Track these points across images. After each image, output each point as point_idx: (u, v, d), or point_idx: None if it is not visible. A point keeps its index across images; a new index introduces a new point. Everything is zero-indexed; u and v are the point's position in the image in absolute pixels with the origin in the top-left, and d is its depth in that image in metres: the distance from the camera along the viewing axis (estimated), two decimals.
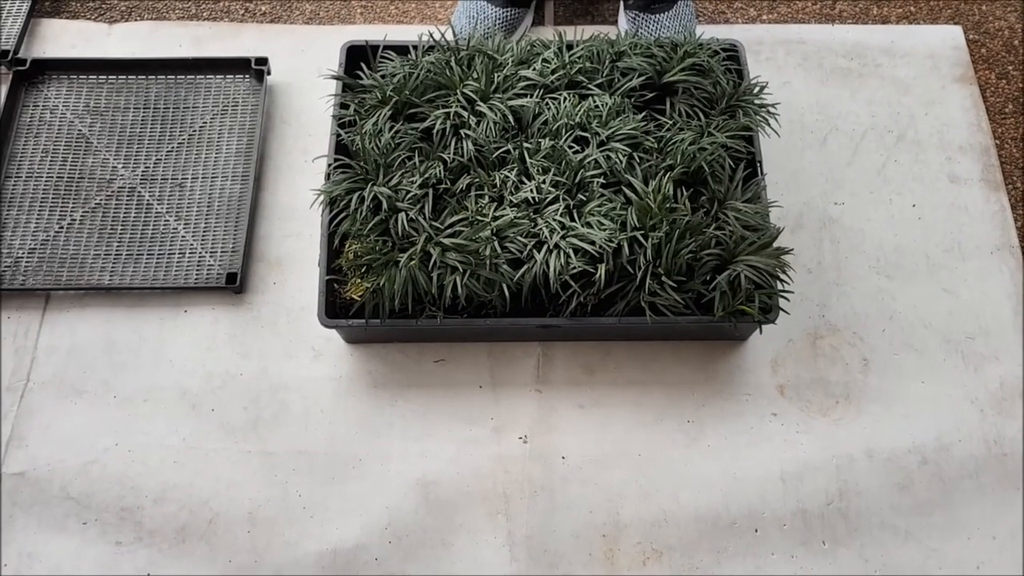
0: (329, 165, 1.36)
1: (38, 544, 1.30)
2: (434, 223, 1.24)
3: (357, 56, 1.44)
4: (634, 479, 1.35)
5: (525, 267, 1.22)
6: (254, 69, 1.61)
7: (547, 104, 1.32)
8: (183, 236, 1.49)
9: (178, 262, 1.48)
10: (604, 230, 1.21)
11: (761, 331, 1.34)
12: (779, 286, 1.28)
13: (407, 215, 1.24)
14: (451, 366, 1.42)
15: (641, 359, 1.42)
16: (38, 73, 1.63)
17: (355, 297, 1.30)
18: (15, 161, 1.56)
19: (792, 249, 1.30)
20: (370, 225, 1.24)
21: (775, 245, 1.28)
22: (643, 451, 1.36)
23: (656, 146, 1.31)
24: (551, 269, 1.20)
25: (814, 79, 1.67)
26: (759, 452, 1.37)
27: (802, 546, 1.31)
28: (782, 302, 1.28)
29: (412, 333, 1.39)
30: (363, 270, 1.27)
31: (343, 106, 1.37)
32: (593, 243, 1.20)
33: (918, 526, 1.32)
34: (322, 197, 1.30)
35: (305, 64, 1.67)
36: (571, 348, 1.43)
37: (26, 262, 1.47)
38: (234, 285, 1.44)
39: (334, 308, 1.32)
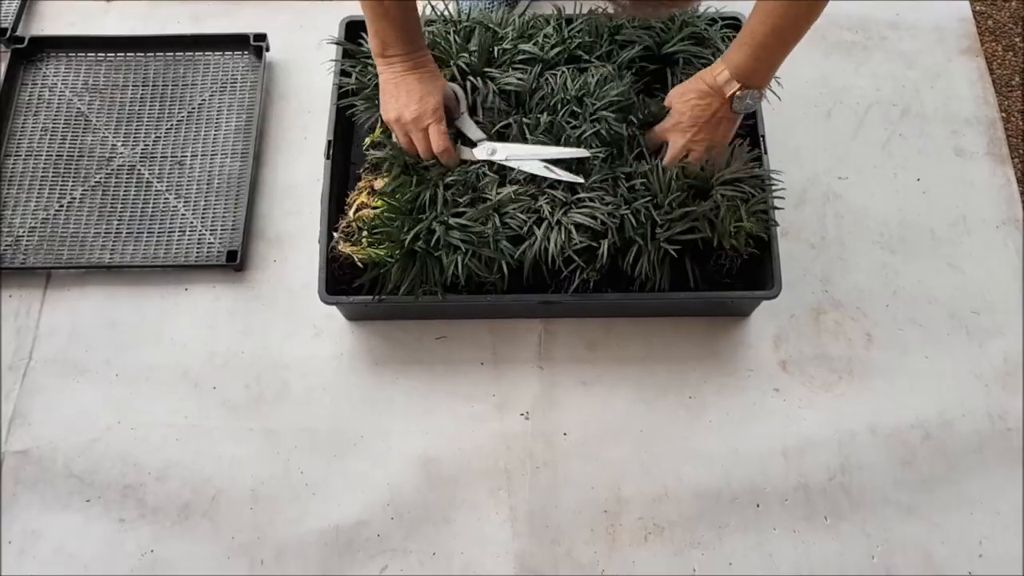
0: (328, 142, 1.35)
1: (42, 522, 1.31)
2: (452, 199, 1.23)
3: (357, 31, 1.43)
4: (636, 455, 1.34)
5: (526, 243, 1.21)
6: (253, 45, 1.60)
7: (546, 79, 1.31)
8: (183, 214, 1.49)
9: (178, 240, 1.47)
10: (607, 204, 1.20)
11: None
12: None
13: (442, 189, 1.22)
14: (452, 343, 1.42)
15: (643, 335, 1.42)
16: (36, 51, 1.62)
17: (357, 259, 1.28)
18: (14, 140, 1.55)
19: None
20: (407, 195, 1.23)
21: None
22: (645, 427, 1.36)
23: (652, 110, 1.29)
24: (552, 244, 1.19)
25: (818, 52, 1.65)
26: (761, 428, 1.36)
27: (804, 521, 1.31)
28: (779, 205, 1.27)
29: (413, 310, 1.39)
30: (377, 237, 1.24)
31: (344, 74, 1.36)
32: (595, 218, 1.19)
33: (921, 501, 1.32)
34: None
35: (304, 40, 1.65)
36: (573, 324, 1.42)
37: (27, 241, 1.47)
38: (234, 263, 1.44)
39: (335, 285, 1.31)
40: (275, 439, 1.36)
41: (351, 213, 1.30)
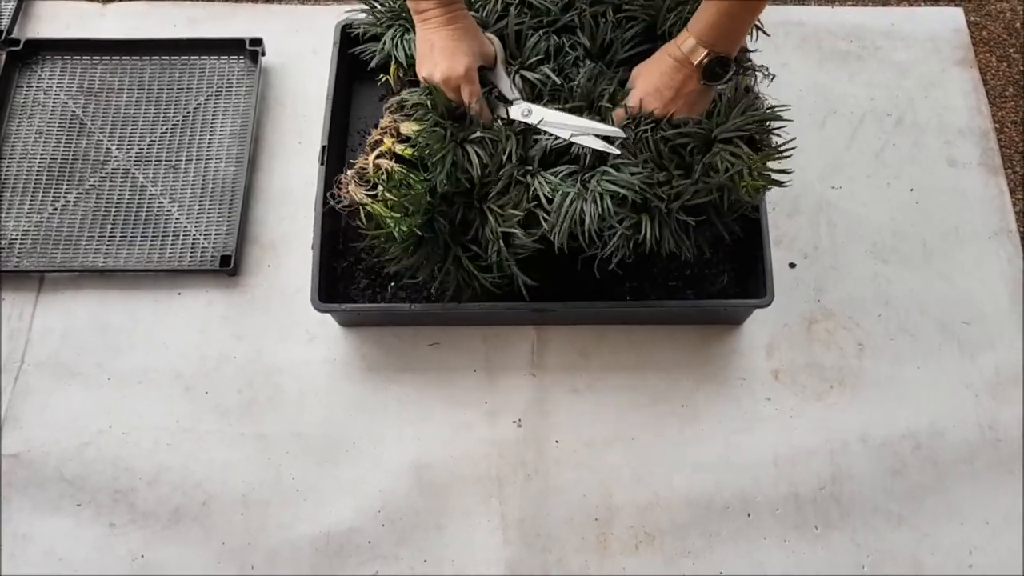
0: (323, 148, 1.35)
1: (33, 525, 1.31)
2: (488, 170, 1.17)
3: (352, 36, 1.43)
4: (627, 463, 1.35)
5: (564, 213, 1.14)
6: (248, 50, 1.60)
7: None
8: (177, 218, 1.49)
9: (172, 244, 1.47)
10: (636, 175, 1.13)
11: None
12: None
13: (480, 155, 1.16)
14: (445, 350, 1.42)
15: (636, 343, 1.42)
16: (32, 54, 1.62)
17: (363, 211, 1.20)
18: (9, 142, 1.55)
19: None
20: (442, 153, 1.15)
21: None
22: (637, 435, 1.36)
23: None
24: (588, 217, 1.12)
25: (813, 61, 1.65)
26: (753, 436, 1.36)
27: (794, 530, 1.31)
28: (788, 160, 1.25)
29: (406, 317, 1.39)
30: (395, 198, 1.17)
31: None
32: (623, 188, 1.12)
33: (911, 511, 1.32)
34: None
35: (300, 45, 1.65)
36: (565, 332, 1.43)
37: (20, 243, 1.47)
38: (228, 268, 1.44)
39: (328, 291, 1.31)
40: (267, 444, 1.36)
41: (371, 155, 1.21)
